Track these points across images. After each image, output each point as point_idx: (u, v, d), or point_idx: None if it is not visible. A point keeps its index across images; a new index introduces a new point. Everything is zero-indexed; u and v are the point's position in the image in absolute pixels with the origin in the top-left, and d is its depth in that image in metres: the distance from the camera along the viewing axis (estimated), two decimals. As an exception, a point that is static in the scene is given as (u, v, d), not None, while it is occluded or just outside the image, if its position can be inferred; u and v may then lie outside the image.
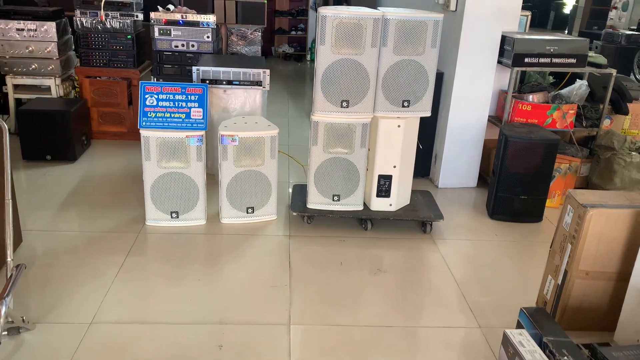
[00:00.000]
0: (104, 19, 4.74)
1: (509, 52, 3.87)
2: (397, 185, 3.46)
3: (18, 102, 4.95)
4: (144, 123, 3.28)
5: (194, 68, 3.82)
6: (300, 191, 3.70)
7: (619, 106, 4.31)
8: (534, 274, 3.13)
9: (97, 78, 4.90)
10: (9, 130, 4.87)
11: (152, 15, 4.52)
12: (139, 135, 3.27)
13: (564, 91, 4.17)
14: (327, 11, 3.06)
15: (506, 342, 2.07)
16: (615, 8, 9.74)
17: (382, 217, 3.47)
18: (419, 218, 3.49)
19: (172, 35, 4.54)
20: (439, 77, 4.15)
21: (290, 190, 3.95)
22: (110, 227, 3.39)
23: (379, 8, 3.27)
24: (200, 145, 3.31)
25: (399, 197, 3.53)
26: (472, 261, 3.26)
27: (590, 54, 4.14)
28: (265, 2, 5.87)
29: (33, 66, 4.80)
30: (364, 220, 3.53)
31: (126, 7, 4.87)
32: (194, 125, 3.31)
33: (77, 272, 2.89)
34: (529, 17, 4.85)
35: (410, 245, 3.39)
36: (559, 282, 2.56)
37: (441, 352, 2.45)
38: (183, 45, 4.58)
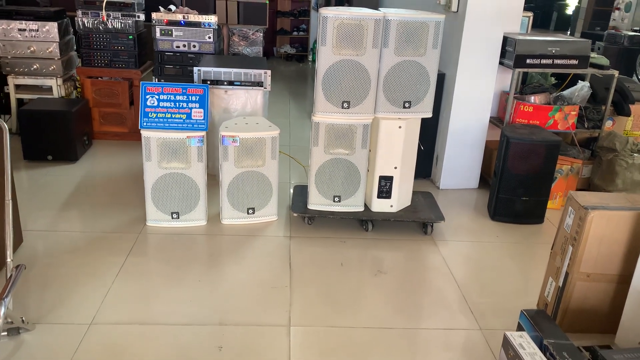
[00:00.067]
0: (105, 19, 4.74)
1: (511, 53, 3.86)
2: (398, 187, 3.46)
3: (20, 102, 4.95)
4: (144, 123, 3.28)
5: (195, 68, 3.82)
6: (301, 192, 3.69)
7: (621, 107, 4.30)
8: (535, 275, 3.12)
9: (99, 78, 4.90)
10: (11, 130, 4.92)
11: (154, 15, 4.52)
12: (140, 136, 3.27)
13: (565, 92, 4.15)
14: (328, 12, 3.05)
15: (506, 344, 2.06)
16: (618, 9, 9.72)
17: (383, 218, 3.46)
18: (420, 219, 3.48)
19: (174, 36, 4.54)
20: (441, 78, 4.14)
21: (291, 191, 3.94)
22: (110, 228, 3.39)
23: (380, 9, 3.26)
24: (201, 146, 3.31)
25: (400, 198, 3.52)
26: (473, 263, 3.25)
27: (593, 55, 4.13)
28: (267, 2, 5.88)
29: (35, 66, 4.81)
30: (365, 221, 3.53)
31: (128, 7, 4.87)
32: (194, 125, 3.31)
33: (77, 273, 2.89)
34: (531, 18, 4.84)
35: (411, 246, 3.38)
36: (560, 284, 2.56)
37: (441, 354, 2.44)
38: (184, 45, 4.58)
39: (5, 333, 2.35)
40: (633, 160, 3.91)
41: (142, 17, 5.01)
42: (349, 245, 3.34)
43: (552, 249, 2.67)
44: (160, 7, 4.65)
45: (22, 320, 2.36)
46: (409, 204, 3.65)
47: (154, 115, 3.28)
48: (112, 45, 4.80)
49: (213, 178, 3.92)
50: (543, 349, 2.02)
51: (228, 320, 2.58)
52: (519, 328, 2.26)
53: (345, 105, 3.23)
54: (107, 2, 4.78)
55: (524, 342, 2.01)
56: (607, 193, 2.64)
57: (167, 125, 3.29)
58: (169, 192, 3.36)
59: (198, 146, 3.30)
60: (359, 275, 3.04)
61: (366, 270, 3.09)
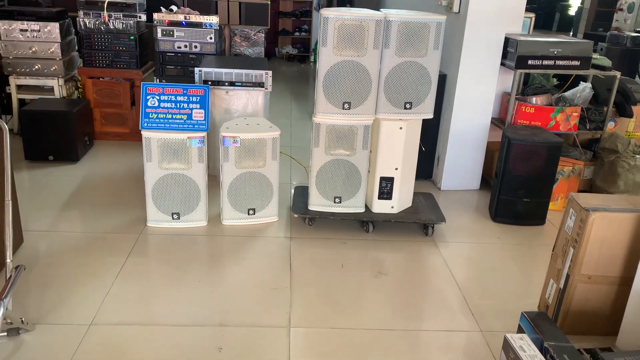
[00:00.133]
0: (107, 19, 4.74)
1: (512, 54, 3.85)
2: (399, 188, 3.45)
3: (21, 102, 4.96)
4: (145, 124, 3.28)
5: (196, 69, 3.82)
6: (302, 193, 3.69)
7: (623, 109, 4.29)
8: (537, 277, 3.11)
9: (100, 79, 4.91)
10: (12, 130, 4.93)
11: (155, 16, 4.51)
12: (141, 136, 3.27)
13: (567, 93, 4.14)
14: (329, 13, 3.05)
15: (507, 346, 2.06)
16: (621, 10, 9.69)
17: (384, 220, 3.45)
18: (421, 220, 3.48)
19: (175, 36, 4.54)
20: (442, 78, 4.14)
21: (292, 192, 3.94)
22: (111, 228, 3.39)
23: (381, 10, 3.25)
24: (202, 147, 3.30)
25: (401, 199, 3.51)
26: (474, 264, 3.24)
27: (595, 56, 4.11)
28: (269, 3, 5.87)
29: (36, 67, 4.81)
30: (366, 222, 3.52)
31: (129, 8, 4.87)
32: (195, 126, 3.31)
33: (77, 273, 2.89)
34: (533, 18, 4.83)
35: (412, 247, 3.37)
36: (561, 286, 2.55)
37: (442, 356, 2.44)
38: (186, 46, 4.58)
39: (5, 333, 2.35)
40: (635, 161, 3.89)
41: (144, 17, 5.01)
42: (350, 246, 3.33)
43: (553, 251, 2.66)
44: (161, 7, 4.65)
45: (22, 320, 2.35)
46: (410, 205, 3.64)
47: (155, 116, 3.28)
48: (113, 45, 4.80)
49: (214, 179, 3.91)
50: (544, 351, 2.01)
51: (228, 321, 2.58)
52: (520, 330, 2.25)
53: (346, 106, 3.23)
54: (108, 2, 4.78)
55: (524, 345, 2.00)
56: (608, 195, 2.63)
57: (168, 125, 3.29)
58: (169, 192, 3.36)
59: (199, 147, 3.30)
60: (359, 276, 3.03)
61: (367, 271, 3.08)
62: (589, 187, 4.24)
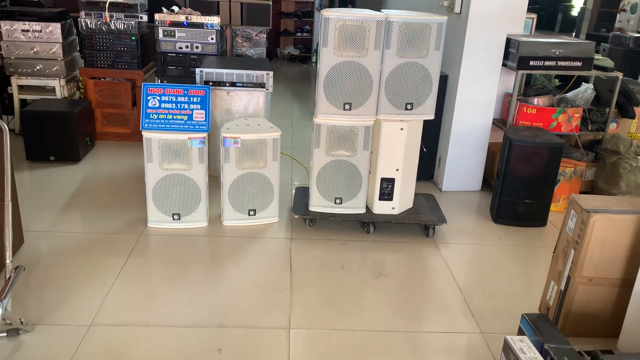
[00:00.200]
0: (108, 20, 4.74)
1: (514, 55, 3.84)
2: (400, 189, 3.44)
3: (23, 102, 4.96)
4: (146, 125, 3.28)
5: (197, 70, 3.82)
6: (303, 194, 3.68)
7: (625, 110, 4.27)
8: (538, 279, 3.10)
9: (102, 79, 4.91)
10: (14, 130, 4.94)
11: (157, 16, 4.52)
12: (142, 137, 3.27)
13: (569, 94, 4.13)
14: (330, 13, 3.04)
15: (507, 348, 2.05)
16: (624, 10, 9.66)
17: (385, 221, 3.45)
18: (422, 222, 3.47)
19: (176, 37, 4.54)
20: (443, 79, 4.13)
21: (293, 193, 3.93)
22: (112, 229, 3.39)
23: (382, 10, 3.25)
24: (203, 147, 3.30)
25: (402, 201, 3.50)
26: (475, 266, 3.23)
27: (597, 56, 4.10)
28: (271, 3, 5.87)
29: (38, 67, 4.81)
30: (366, 223, 3.51)
31: (131, 8, 4.87)
32: (196, 127, 3.31)
33: (77, 274, 2.89)
34: (535, 19, 4.82)
35: (413, 249, 3.36)
36: (562, 288, 2.54)
37: (442, 358, 2.43)
38: (187, 46, 4.58)
39: (5, 334, 2.35)
40: (637, 162, 3.88)
41: (145, 18, 5.01)
42: (350, 248, 3.33)
43: (554, 253, 2.65)
44: (163, 8, 4.65)
45: (21, 321, 2.35)
46: (411, 206, 3.63)
47: (156, 117, 3.28)
48: (115, 46, 4.80)
49: (214, 179, 3.91)
50: (544, 353, 2.01)
51: (228, 322, 2.57)
52: (520, 332, 2.25)
53: (347, 106, 3.22)
54: (110, 3, 4.78)
55: (524, 347, 2.00)
56: (609, 196, 2.62)
57: (169, 126, 3.28)
58: (170, 193, 3.35)
59: (199, 147, 3.30)
60: (360, 277, 3.02)
61: (367, 272, 3.08)
62: (591, 188, 4.22)
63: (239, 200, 3.44)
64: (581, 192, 4.08)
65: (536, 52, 3.81)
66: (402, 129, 3.31)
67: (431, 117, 3.34)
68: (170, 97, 3.30)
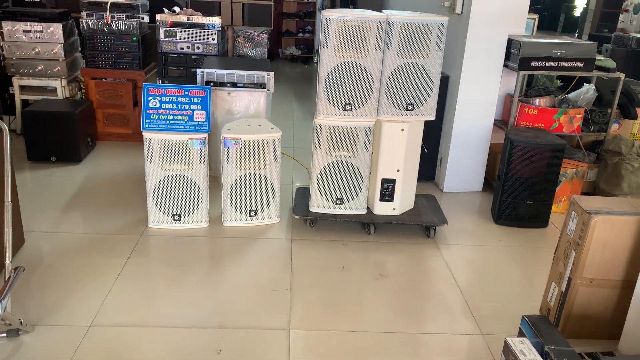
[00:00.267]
0: (109, 20, 4.75)
1: (515, 56, 3.83)
2: (401, 189, 3.43)
3: (24, 103, 4.96)
4: (146, 125, 3.28)
5: (198, 70, 3.82)
6: (304, 194, 3.68)
7: (627, 110, 4.26)
8: (539, 280, 3.09)
9: (103, 80, 4.91)
10: (16, 131, 4.94)
11: (158, 17, 4.52)
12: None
13: (571, 95, 4.12)
14: (330, 14, 3.04)
15: (507, 350, 2.04)
16: (627, 11, 9.64)
17: (385, 222, 3.44)
18: (423, 222, 3.46)
19: (178, 38, 4.54)
20: (444, 80, 4.12)
21: (294, 193, 3.93)
22: (112, 229, 3.39)
23: (383, 11, 3.24)
24: (203, 148, 3.30)
25: (403, 201, 3.50)
26: (475, 267, 3.22)
27: (599, 57, 4.09)
28: (272, 4, 5.86)
29: (39, 67, 4.82)
30: (367, 224, 3.51)
31: (132, 9, 4.88)
32: (196, 127, 3.30)
33: (78, 274, 2.89)
34: (536, 20, 4.81)
35: (414, 250, 3.36)
36: (563, 289, 2.53)
37: (442, 359, 2.42)
38: (188, 47, 4.58)
39: (5, 334, 2.35)
40: (639, 163, 3.87)
41: (146, 18, 5.02)
42: (351, 249, 3.32)
43: (555, 254, 2.64)
44: (164, 8, 4.65)
45: (20, 322, 2.35)
46: (412, 207, 3.62)
47: (156, 117, 3.28)
48: (116, 46, 4.81)
49: (215, 180, 3.91)
50: (544, 355, 2.00)
51: (228, 323, 2.57)
52: (520, 334, 2.24)
53: (348, 107, 3.21)
54: (111, 3, 4.78)
55: (524, 349, 1.99)
56: (610, 197, 2.61)
57: (169, 127, 3.28)
58: (170, 194, 3.35)
59: (200, 148, 3.29)
60: (360, 278, 3.02)
61: (368, 273, 3.07)
62: (593, 189, 4.21)
63: (239, 201, 3.43)
64: (583, 193, 4.07)
65: (537, 53, 3.80)
66: (403, 129, 3.30)
67: (432, 117, 3.34)
68: (171, 97, 3.30)
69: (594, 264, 2.42)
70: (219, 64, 4.05)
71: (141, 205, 3.63)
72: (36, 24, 4.72)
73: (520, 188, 3.61)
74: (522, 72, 3.85)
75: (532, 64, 3.82)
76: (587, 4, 10.81)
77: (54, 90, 4.92)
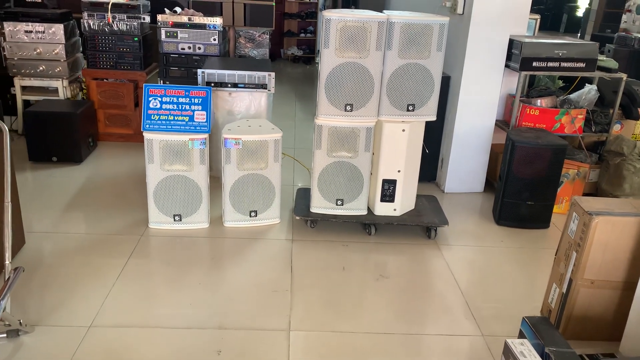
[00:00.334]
0: (111, 21, 4.75)
1: (517, 56, 3.82)
2: (402, 190, 3.43)
3: (26, 103, 4.97)
4: (147, 126, 3.28)
5: (199, 71, 3.81)
6: (304, 195, 3.67)
7: (629, 111, 4.25)
8: (540, 281, 3.08)
9: (104, 80, 4.92)
10: (17, 131, 4.95)
11: (159, 17, 4.52)
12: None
13: (572, 96, 4.11)
14: (331, 14, 3.03)
15: (507, 352, 2.03)
16: (629, 11, 9.61)
17: (386, 222, 3.43)
18: (424, 223, 3.45)
19: (179, 38, 4.54)
20: (446, 80, 4.11)
21: (295, 194, 3.92)
22: (113, 230, 3.39)
23: (384, 11, 3.24)
24: (204, 148, 3.30)
25: (404, 202, 3.49)
26: (477, 268, 3.21)
27: (602, 57, 4.08)
28: (274, 4, 5.86)
29: (41, 68, 4.83)
30: (368, 225, 3.50)
31: (133, 9, 4.88)
32: (197, 128, 3.30)
33: (78, 275, 2.89)
34: (538, 20, 4.79)
35: (414, 250, 3.35)
36: (564, 290, 2.52)
37: (442, 361, 2.42)
38: (189, 47, 4.58)
39: (5, 335, 2.35)
40: (641, 164, 3.85)
41: (148, 19, 5.02)
42: (352, 249, 3.32)
43: (556, 255, 2.63)
44: (165, 9, 4.65)
45: (20, 322, 2.35)
46: (413, 207, 3.62)
47: (157, 118, 3.28)
48: (117, 47, 4.81)
49: (216, 180, 3.91)
50: (544, 357, 1.99)
51: (227, 323, 2.57)
52: (521, 335, 2.23)
53: (348, 108, 3.21)
54: (112, 4, 4.79)
55: (525, 350, 1.98)
56: (611, 198, 2.60)
57: (170, 127, 3.28)
58: (171, 194, 3.35)
59: (200, 148, 3.29)
60: (361, 279, 3.01)
61: (368, 274, 3.06)
62: (595, 190, 4.20)
63: (240, 202, 3.43)
64: (584, 194, 4.06)
65: (539, 53, 3.79)
66: (403, 130, 3.29)
67: (433, 118, 3.33)
68: (172, 98, 3.30)
69: (595, 265, 2.41)
70: (220, 65, 4.05)
71: (142, 205, 3.63)
72: (38, 24, 4.73)
73: (521, 189, 3.60)
74: (523, 73, 3.84)
75: (534, 64, 3.81)
76: (590, 4, 10.79)
77: (55, 91, 4.93)
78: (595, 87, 4.09)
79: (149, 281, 2.88)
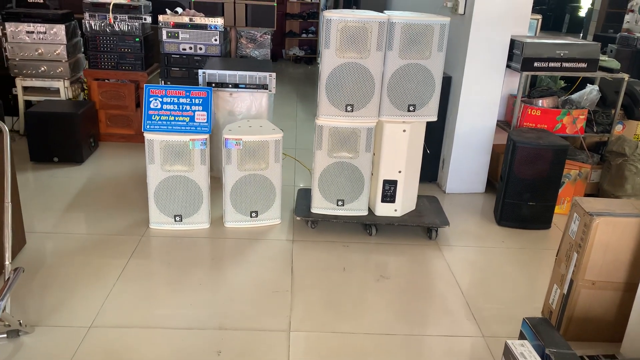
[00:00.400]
0: (112, 21, 4.76)
1: (518, 56, 3.82)
2: (403, 191, 3.42)
3: (28, 104, 4.98)
4: (148, 126, 3.28)
5: (200, 71, 3.81)
6: (305, 195, 3.67)
7: (631, 111, 4.24)
8: (541, 282, 3.07)
9: (106, 80, 4.92)
10: (19, 132, 4.95)
11: (160, 18, 4.52)
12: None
13: (574, 96, 4.10)
14: (332, 14, 3.03)
15: (507, 353, 2.02)
16: (632, 11, 9.59)
17: (387, 223, 3.43)
18: (425, 224, 3.45)
19: (180, 38, 4.55)
20: (447, 80, 4.11)
21: (296, 194, 3.92)
22: (114, 230, 3.39)
23: (385, 11, 3.23)
24: (204, 149, 3.30)
25: (404, 203, 3.49)
26: (477, 268, 3.20)
27: (604, 58, 4.07)
28: (275, 4, 5.86)
29: (42, 68, 4.83)
30: (369, 225, 3.49)
31: (134, 10, 4.88)
32: (197, 128, 3.30)
33: (78, 275, 2.89)
34: (540, 20, 4.79)
35: (415, 251, 3.34)
36: (565, 291, 2.51)
37: (443, 362, 2.41)
38: (191, 48, 4.59)
39: (5, 335, 2.35)
40: (643, 165, 3.84)
41: (149, 19, 5.02)
42: (352, 250, 3.31)
43: (557, 256, 2.63)
44: (166, 9, 4.65)
45: (20, 323, 2.35)
46: (414, 208, 3.61)
47: (157, 118, 3.28)
48: (119, 47, 4.82)
49: (217, 181, 3.91)
50: (545, 358, 1.98)
51: (227, 324, 2.56)
52: (521, 336, 2.22)
53: (349, 108, 3.21)
54: (114, 4, 4.79)
55: (525, 351, 1.97)
56: (612, 199, 2.59)
57: (171, 128, 3.28)
58: (172, 195, 3.35)
59: (201, 149, 3.29)
60: (361, 280, 3.01)
61: (369, 275, 3.06)
62: (596, 190, 4.19)
63: (240, 202, 3.43)
64: (586, 195, 4.05)
65: (540, 54, 3.78)
66: (404, 130, 3.29)
67: (434, 118, 3.32)
68: (172, 98, 3.30)
69: (596, 266, 2.41)
70: (221, 65, 4.05)
71: (143, 206, 3.63)
72: (39, 25, 4.73)
73: (523, 189, 3.59)
74: (524, 73, 3.83)
75: (535, 64, 3.80)
76: (592, 4, 10.77)
77: (56, 91, 4.94)
78: (597, 88, 4.08)
79: (149, 281, 2.88)
